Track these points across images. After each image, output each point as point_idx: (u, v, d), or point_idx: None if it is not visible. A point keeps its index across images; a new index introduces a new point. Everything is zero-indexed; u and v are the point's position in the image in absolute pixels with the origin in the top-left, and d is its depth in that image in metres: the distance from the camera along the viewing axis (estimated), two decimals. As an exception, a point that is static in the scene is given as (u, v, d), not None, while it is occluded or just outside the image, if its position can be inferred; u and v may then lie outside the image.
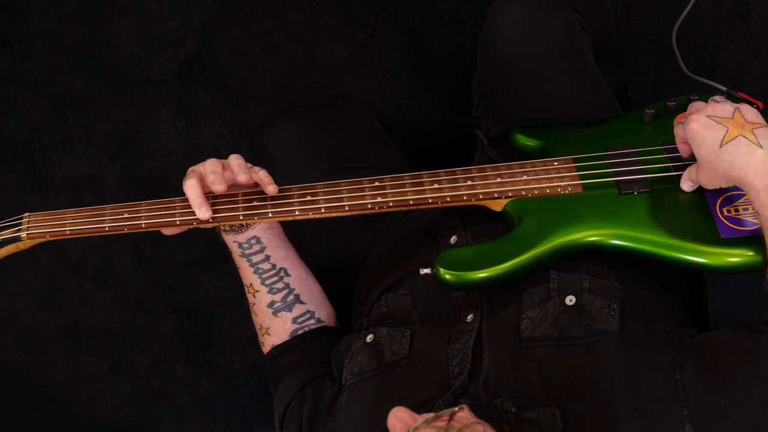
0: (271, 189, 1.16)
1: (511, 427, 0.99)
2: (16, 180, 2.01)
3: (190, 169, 1.18)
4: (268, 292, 1.27)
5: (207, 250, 1.97)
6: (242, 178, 1.16)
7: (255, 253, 1.25)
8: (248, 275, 1.27)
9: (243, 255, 1.26)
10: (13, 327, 2.00)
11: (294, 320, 1.29)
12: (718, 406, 0.99)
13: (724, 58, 1.87)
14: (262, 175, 1.17)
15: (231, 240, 1.25)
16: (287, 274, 1.28)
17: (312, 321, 1.30)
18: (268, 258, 1.26)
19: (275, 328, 1.29)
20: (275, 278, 1.27)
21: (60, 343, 1.99)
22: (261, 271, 1.26)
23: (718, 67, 1.87)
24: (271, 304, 1.28)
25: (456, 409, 0.89)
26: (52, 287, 2.00)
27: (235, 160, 1.17)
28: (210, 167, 1.17)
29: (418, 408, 0.94)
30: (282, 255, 1.28)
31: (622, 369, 1.03)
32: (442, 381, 1.09)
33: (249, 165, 1.18)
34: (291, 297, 1.28)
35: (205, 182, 1.16)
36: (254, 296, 1.28)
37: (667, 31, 1.76)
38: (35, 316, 2.00)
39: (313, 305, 1.30)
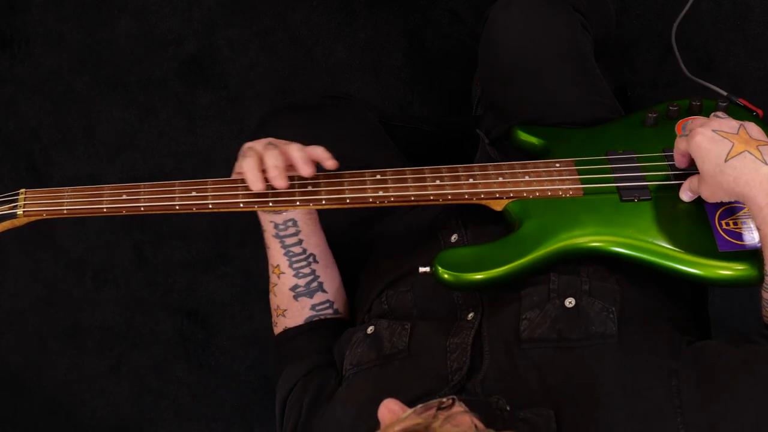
0: (330, 164, 1.15)
1: (504, 425, 0.99)
2: (16, 180, 2.01)
3: (248, 146, 1.16)
4: (294, 276, 1.27)
5: (207, 250, 1.97)
6: (306, 171, 1.13)
7: (289, 236, 1.25)
8: (277, 256, 1.26)
9: (277, 236, 1.25)
10: (13, 327, 2.00)
11: (312, 307, 1.29)
12: (713, 415, 1.00)
13: (724, 58, 1.87)
14: (319, 152, 1.15)
15: (267, 220, 1.24)
16: (315, 261, 1.28)
17: (330, 311, 1.30)
18: (300, 242, 1.26)
19: (292, 311, 1.29)
20: (304, 263, 1.27)
21: (60, 343, 1.99)
22: (291, 254, 1.26)
23: (718, 67, 1.87)
24: (294, 288, 1.28)
25: (444, 399, 0.90)
26: (52, 287, 2.00)
27: (298, 152, 1.14)
28: (272, 160, 1.13)
29: (415, 401, 0.95)
30: (314, 241, 1.27)
31: (618, 372, 1.03)
32: (441, 375, 1.10)
33: (307, 152, 1.15)
34: (315, 284, 1.28)
35: (264, 168, 1.14)
36: (278, 277, 1.28)
37: (667, 30, 1.76)
38: (35, 316, 2.00)
39: (334, 296, 1.30)
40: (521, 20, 1.38)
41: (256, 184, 1.13)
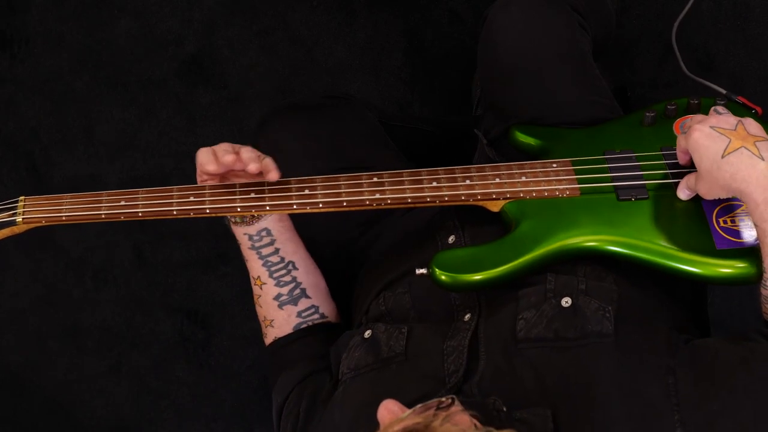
0: (273, 176, 1.15)
1: (501, 425, 0.99)
2: (16, 180, 2.01)
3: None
4: (275, 285, 1.28)
5: (207, 250, 1.97)
6: (253, 167, 1.14)
7: (265, 246, 1.26)
8: (256, 267, 1.27)
9: (252, 248, 1.26)
10: (13, 327, 2.00)
11: (299, 314, 1.29)
12: (710, 413, 1.00)
13: (724, 58, 1.87)
14: (268, 162, 1.16)
15: (241, 232, 1.25)
16: (295, 268, 1.28)
17: (316, 316, 1.30)
18: (277, 251, 1.26)
19: (279, 321, 1.29)
20: (283, 271, 1.27)
21: (60, 343, 1.99)
22: (270, 264, 1.27)
23: (718, 67, 1.87)
24: (277, 297, 1.28)
25: (443, 399, 0.90)
26: (52, 287, 2.00)
27: (247, 153, 1.16)
28: (222, 146, 1.17)
29: (412, 404, 0.95)
30: (291, 248, 1.28)
31: (615, 371, 1.03)
32: (438, 378, 1.10)
33: (258, 153, 1.18)
34: (297, 291, 1.28)
35: (216, 154, 1.16)
36: (261, 288, 1.28)
37: (667, 30, 1.76)
38: (35, 316, 2.00)
39: (319, 300, 1.31)
40: (520, 20, 1.38)
41: (207, 163, 1.15)
